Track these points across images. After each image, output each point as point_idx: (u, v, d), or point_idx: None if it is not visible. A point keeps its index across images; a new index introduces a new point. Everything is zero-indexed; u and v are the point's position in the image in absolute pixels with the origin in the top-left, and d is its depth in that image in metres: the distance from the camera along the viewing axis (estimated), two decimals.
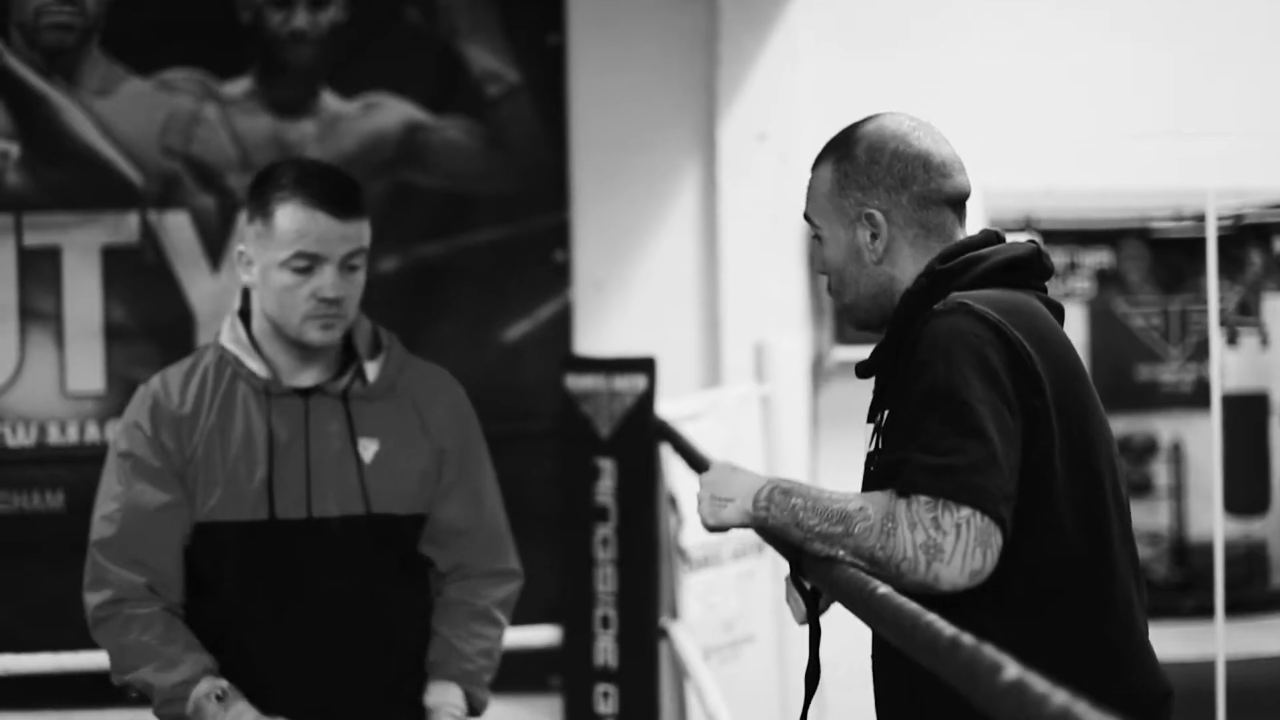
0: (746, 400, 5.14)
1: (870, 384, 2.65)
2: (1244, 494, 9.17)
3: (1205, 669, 5.13)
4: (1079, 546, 2.40)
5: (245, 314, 3.31)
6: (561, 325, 5.31)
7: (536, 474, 5.19)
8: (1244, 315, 9.09)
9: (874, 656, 2.60)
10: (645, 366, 4.82)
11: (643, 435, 4.78)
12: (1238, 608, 6.67)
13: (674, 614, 4.85)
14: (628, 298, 5.39)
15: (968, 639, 1.66)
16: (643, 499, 4.82)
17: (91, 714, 5.14)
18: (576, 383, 4.89)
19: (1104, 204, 8.08)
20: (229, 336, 3.29)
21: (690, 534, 4.79)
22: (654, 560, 4.82)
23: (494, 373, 5.23)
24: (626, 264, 5.39)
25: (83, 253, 5.15)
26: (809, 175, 2.64)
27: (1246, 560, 9.29)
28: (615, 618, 4.84)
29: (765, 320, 5.31)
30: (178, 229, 5.17)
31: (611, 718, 4.87)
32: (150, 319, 5.17)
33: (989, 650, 1.60)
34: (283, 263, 3.13)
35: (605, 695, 4.87)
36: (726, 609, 4.95)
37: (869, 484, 2.53)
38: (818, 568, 2.34)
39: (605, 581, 4.86)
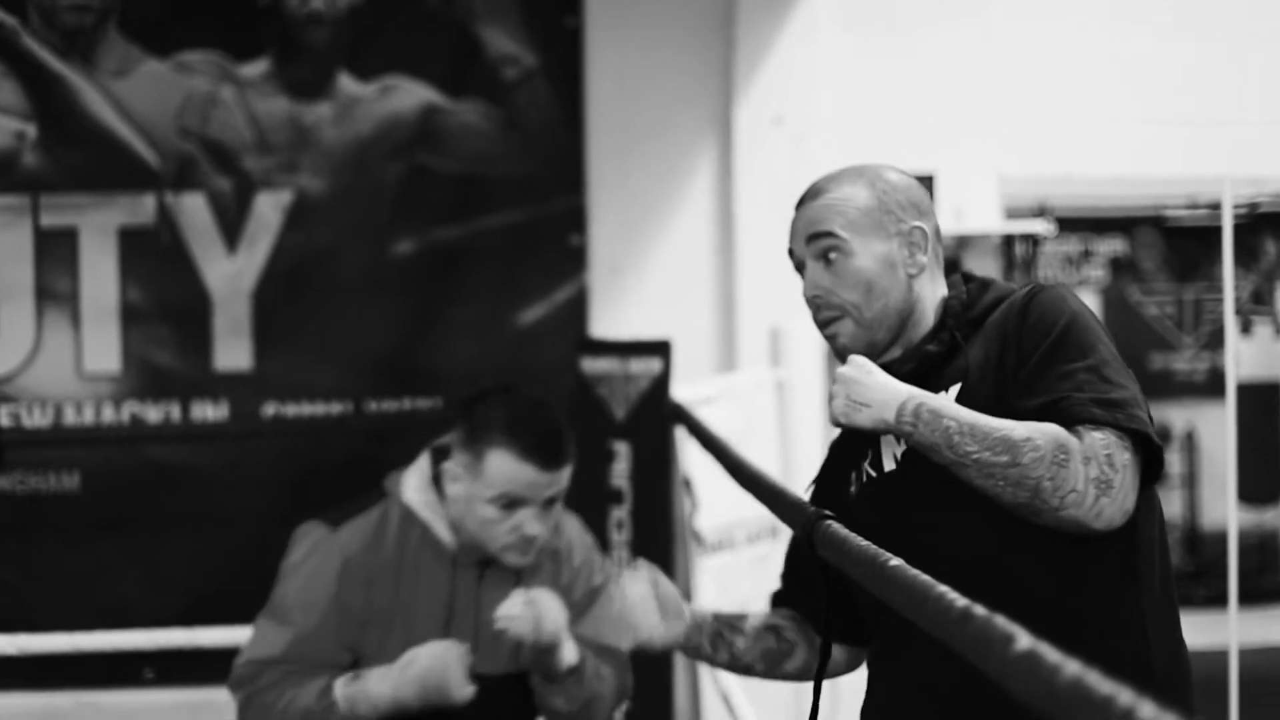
0: (761, 385, 5.14)
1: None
2: (1257, 483, 9.17)
3: (1217, 658, 5.12)
4: (1154, 530, 2.45)
5: (436, 479, 3.36)
6: (577, 309, 5.32)
7: None
8: (1258, 304, 9.09)
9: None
10: (660, 350, 4.82)
11: (658, 418, 4.78)
12: (1250, 597, 6.64)
13: (688, 597, 4.85)
14: (643, 281, 5.39)
15: (979, 610, 1.66)
16: (657, 482, 4.82)
17: (106, 694, 5.16)
18: (592, 365, 4.89)
19: (1120, 191, 8.08)
20: (418, 500, 3.35)
21: (705, 517, 4.79)
22: (668, 543, 4.82)
23: (508, 356, 5.24)
24: (642, 248, 5.39)
25: (99, 234, 5.16)
26: (823, 200, 2.58)
27: (1259, 549, 9.29)
28: None
29: (780, 305, 5.30)
30: (194, 210, 5.18)
31: (626, 700, 4.86)
32: (166, 300, 5.18)
33: (1001, 621, 1.60)
34: (489, 499, 3.22)
35: None
36: (740, 593, 4.95)
37: (899, 496, 2.51)
38: (833, 540, 2.29)
39: (619, 564, 4.86)
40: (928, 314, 2.56)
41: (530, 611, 3.19)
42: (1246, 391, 7.84)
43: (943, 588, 1.80)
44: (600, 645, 3.30)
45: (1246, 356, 8.75)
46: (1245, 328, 8.94)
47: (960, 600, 1.72)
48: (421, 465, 3.39)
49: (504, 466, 3.20)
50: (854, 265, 2.54)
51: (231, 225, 5.18)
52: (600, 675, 3.40)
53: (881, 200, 2.56)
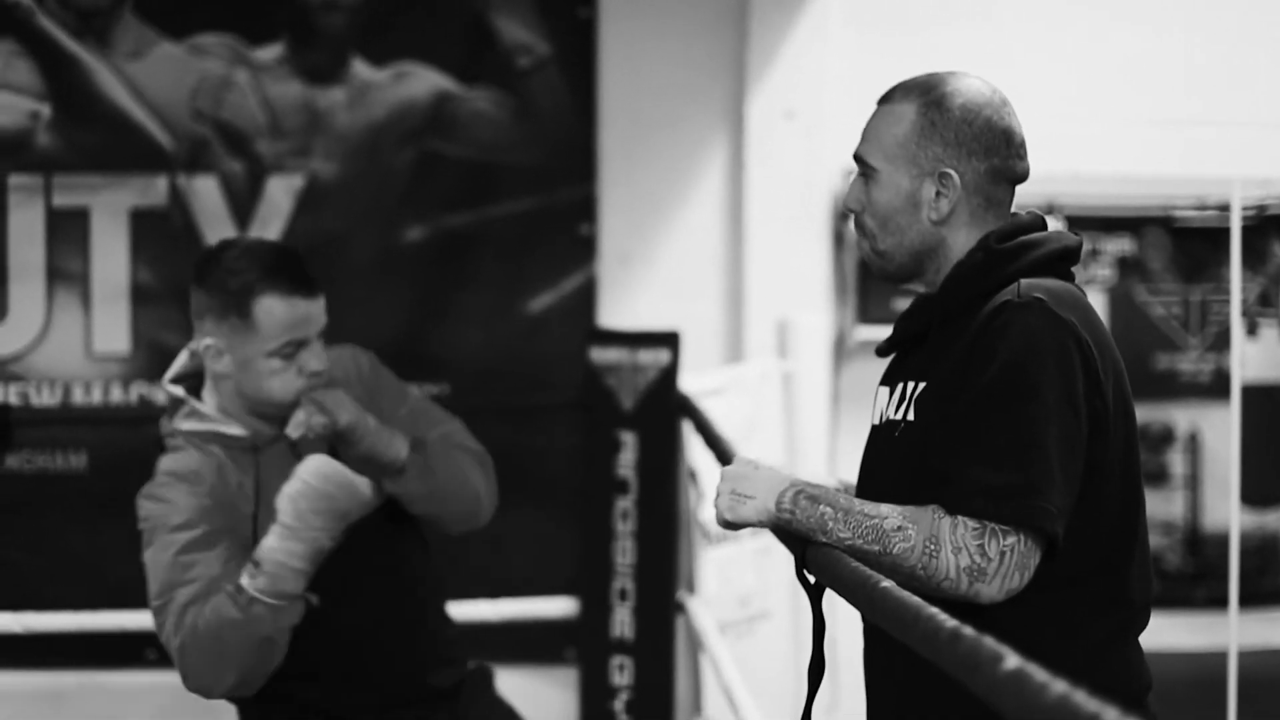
0: (768, 376, 5.15)
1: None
2: (1259, 485, 9.16)
3: (1216, 660, 5.13)
4: (1108, 541, 2.41)
5: (192, 389, 3.33)
6: (585, 298, 5.32)
7: (557, 446, 5.22)
8: (1264, 306, 9.08)
9: (867, 653, 2.60)
10: (669, 341, 4.83)
11: (665, 409, 4.79)
12: (1250, 599, 6.66)
13: (691, 588, 4.87)
14: (652, 272, 5.40)
15: (968, 631, 1.68)
16: (663, 473, 4.83)
17: (109, 674, 5.18)
18: (600, 355, 4.90)
19: (1128, 191, 8.07)
20: (192, 420, 3.29)
21: (710, 509, 4.80)
22: (673, 534, 4.83)
23: (517, 344, 5.26)
24: (652, 238, 5.40)
25: (111, 215, 5.17)
26: (878, 115, 2.55)
27: (1260, 552, 9.29)
28: (633, 590, 4.86)
29: (789, 297, 5.32)
30: (206, 193, 5.19)
31: (627, 690, 4.88)
32: (177, 282, 5.16)
33: (989, 642, 1.62)
34: (270, 353, 3.20)
35: (621, 668, 4.89)
36: (743, 585, 4.97)
37: (890, 450, 2.52)
38: (823, 562, 2.33)
39: (624, 554, 4.87)
40: (954, 262, 2.51)
41: (315, 408, 3.18)
42: (1251, 393, 7.84)
43: (932, 609, 1.82)
44: (452, 439, 3.41)
45: (1252, 358, 8.74)
46: (1251, 330, 8.93)
47: (949, 621, 1.74)
48: (168, 388, 3.34)
49: (275, 311, 3.18)
50: (877, 196, 2.53)
51: (243, 208, 5.19)
52: (453, 458, 3.41)
53: (924, 132, 2.49)
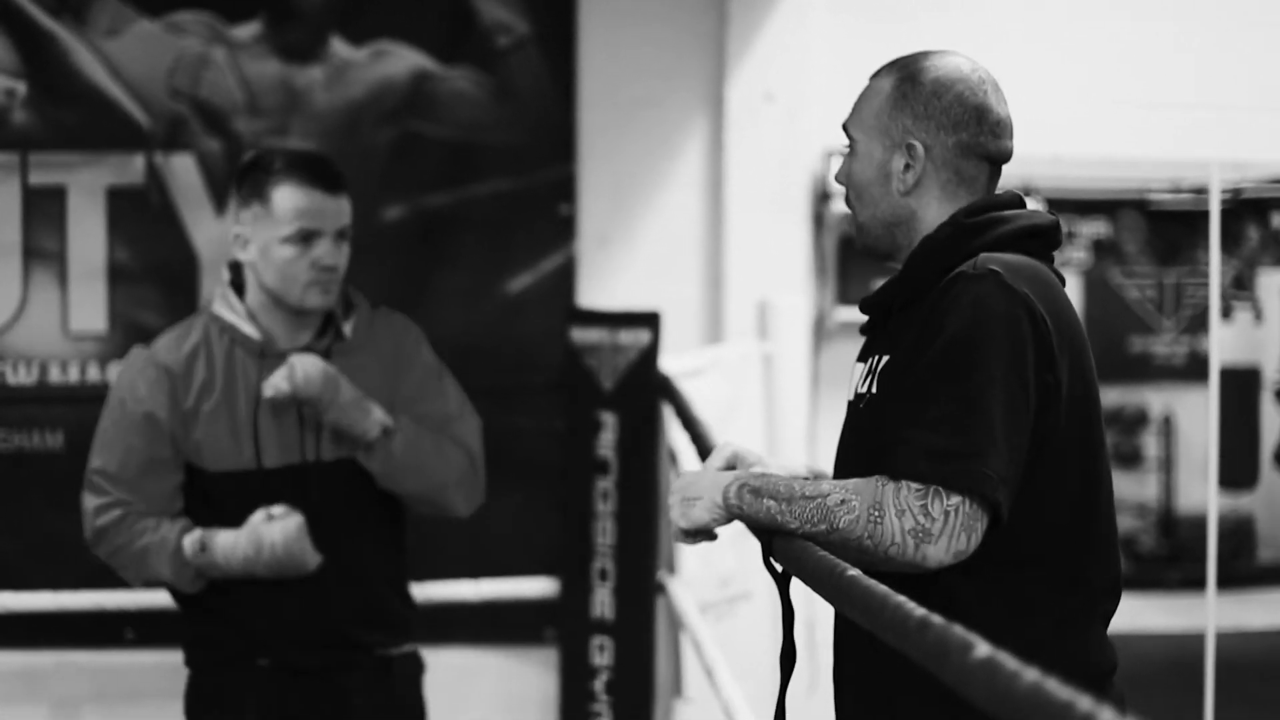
0: (748, 358, 5.15)
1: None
2: (1233, 468, 9.22)
3: (1191, 641, 5.15)
4: (1064, 520, 2.42)
5: (236, 286, 3.63)
6: (565, 279, 5.31)
7: (537, 426, 5.20)
8: (1239, 289, 9.12)
9: (836, 643, 2.61)
10: (650, 321, 4.82)
11: (646, 390, 4.78)
12: (1225, 581, 6.70)
13: (671, 569, 4.86)
14: (632, 253, 5.39)
15: (936, 619, 1.68)
16: (644, 453, 4.83)
17: (87, 653, 5.16)
18: (581, 335, 4.89)
19: (1106, 173, 8.09)
20: (223, 305, 3.60)
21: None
22: (653, 514, 4.83)
23: (496, 324, 5.24)
24: (631, 219, 5.39)
25: (88, 193, 5.14)
26: (866, 88, 2.60)
27: (1234, 534, 9.33)
28: (613, 570, 4.86)
29: (768, 279, 5.32)
30: (184, 171, 5.17)
31: (607, 670, 4.88)
32: (154, 261, 5.16)
33: (958, 630, 1.62)
34: (285, 238, 3.48)
35: (601, 648, 4.89)
36: (723, 566, 4.96)
37: (857, 423, 2.54)
38: (788, 551, 2.34)
39: (604, 534, 4.87)
40: (923, 236, 2.53)
41: (286, 373, 3.46)
42: (1225, 376, 7.87)
43: (900, 598, 1.82)
44: (453, 430, 3.65)
45: (1226, 341, 8.78)
46: (1225, 313, 8.97)
47: (918, 610, 1.74)
48: (223, 279, 3.65)
49: (292, 197, 3.47)
50: (855, 167, 2.58)
51: (221, 187, 5.16)
52: (425, 449, 3.59)
53: (896, 104, 2.53)
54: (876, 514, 2.29)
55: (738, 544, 4.93)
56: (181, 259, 5.16)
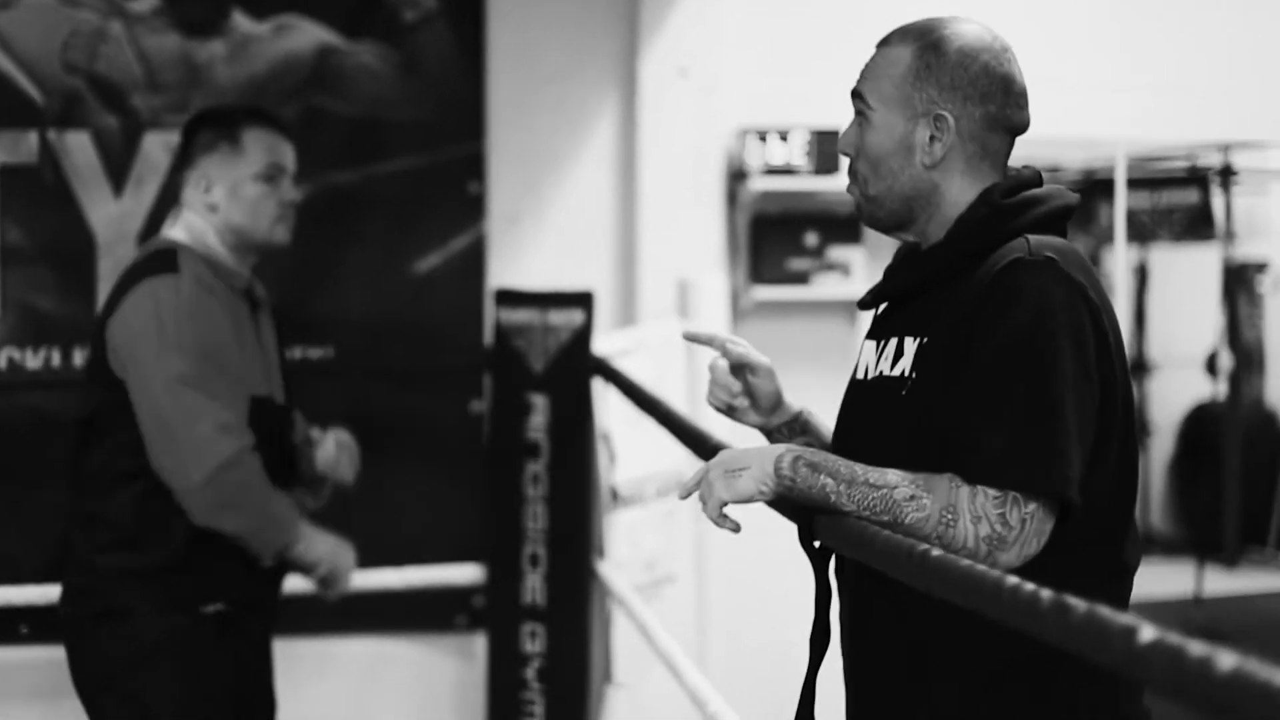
0: (670, 338, 5.08)
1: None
2: None
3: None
4: (1109, 505, 2.39)
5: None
6: (474, 258, 5.20)
7: (450, 409, 5.09)
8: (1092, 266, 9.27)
9: (853, 621, 2.55)
10: (583, 301, 4.73)
11: (578, 371, 4.69)
12: None
13: (600, 553, 4.78)
14: (542, 231, 5.29)
15: (1079, 602, 1.61)
16: (576, 435, 4.73)
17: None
18: (509, 316, 4.78)
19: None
20: (209, 243, 3.67)
21: (622, 471, 4.72)
22: (586, 498, 4.74)
23: (404, 304, 5.13)
24: (542, 197, 5.29)
25: None
26: (877, 56, 2.50)
27: None
28: (544, 556, 4.76)
29: (683, 258, 5.26)
30: (79, 149, 4.97)
31: (539, 657, 4.79)
32: (49, 242, 4.96)
33: (1105, 610, 1.56)
34: (256, 174, 3.68)
35: (533, 634, 4.79)
36: (650, 548, 4.90)
37: (887, 404, 2.44)
38: (836, 529, 2.28)
39: (535, 519, 4.77)
40: (947, 211, 2.46)
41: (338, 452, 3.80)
42: None
43: (1013, 579, 1.78)
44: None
45: None
46: None
47: (1046, 592, 1.69)
48: (186, 223, 3.69)
49: (262, 138, 3.71)
50: (871, 138, 2.48)
51: (118, 166, 4.98)
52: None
53: (920, 74, 2.44)
54: (950, 516, 2.23)
55: (664, 526, 4.89)
56: (77, 240, 4.97)
